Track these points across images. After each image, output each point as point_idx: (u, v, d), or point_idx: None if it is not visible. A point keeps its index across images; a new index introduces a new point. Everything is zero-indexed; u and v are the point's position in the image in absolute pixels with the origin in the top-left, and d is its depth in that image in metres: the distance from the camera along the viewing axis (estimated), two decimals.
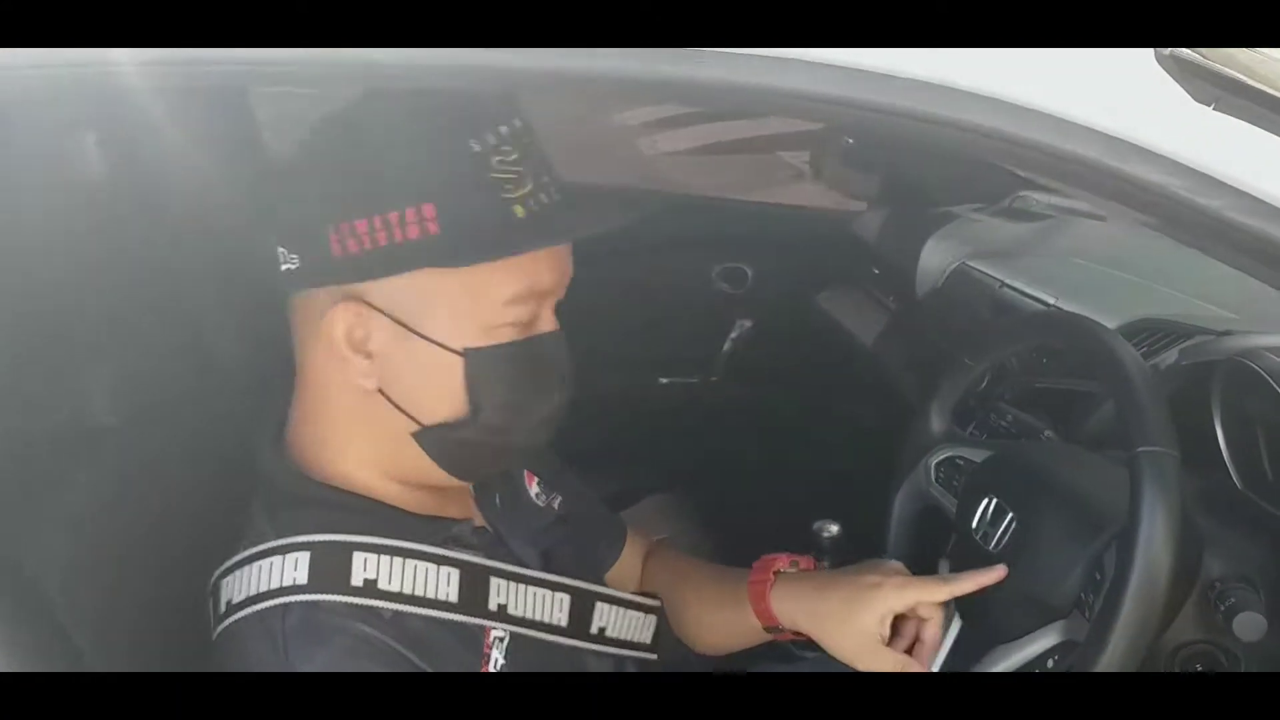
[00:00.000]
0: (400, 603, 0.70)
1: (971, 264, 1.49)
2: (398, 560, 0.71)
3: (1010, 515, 0.84)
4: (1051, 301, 1.29)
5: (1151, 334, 1.08)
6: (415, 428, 0.72)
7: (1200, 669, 0.77)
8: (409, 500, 0.77)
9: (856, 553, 1.23)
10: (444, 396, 0.71)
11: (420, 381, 0.71)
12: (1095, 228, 1.60)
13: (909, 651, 0.84)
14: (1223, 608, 0.71)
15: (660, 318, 1.82)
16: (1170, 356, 1.01)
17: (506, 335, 0.71)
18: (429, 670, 0.70)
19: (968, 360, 0.93)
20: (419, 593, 0.71)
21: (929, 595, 0.83)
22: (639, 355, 1.88)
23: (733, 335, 1.88)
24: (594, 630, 0.85)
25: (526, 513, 0.89)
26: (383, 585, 0.70)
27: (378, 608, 0.69)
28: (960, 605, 0.90)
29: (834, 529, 1.21)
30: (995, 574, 0.81)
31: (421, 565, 0.72)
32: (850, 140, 1.81)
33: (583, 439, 1.80)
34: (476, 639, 0.75)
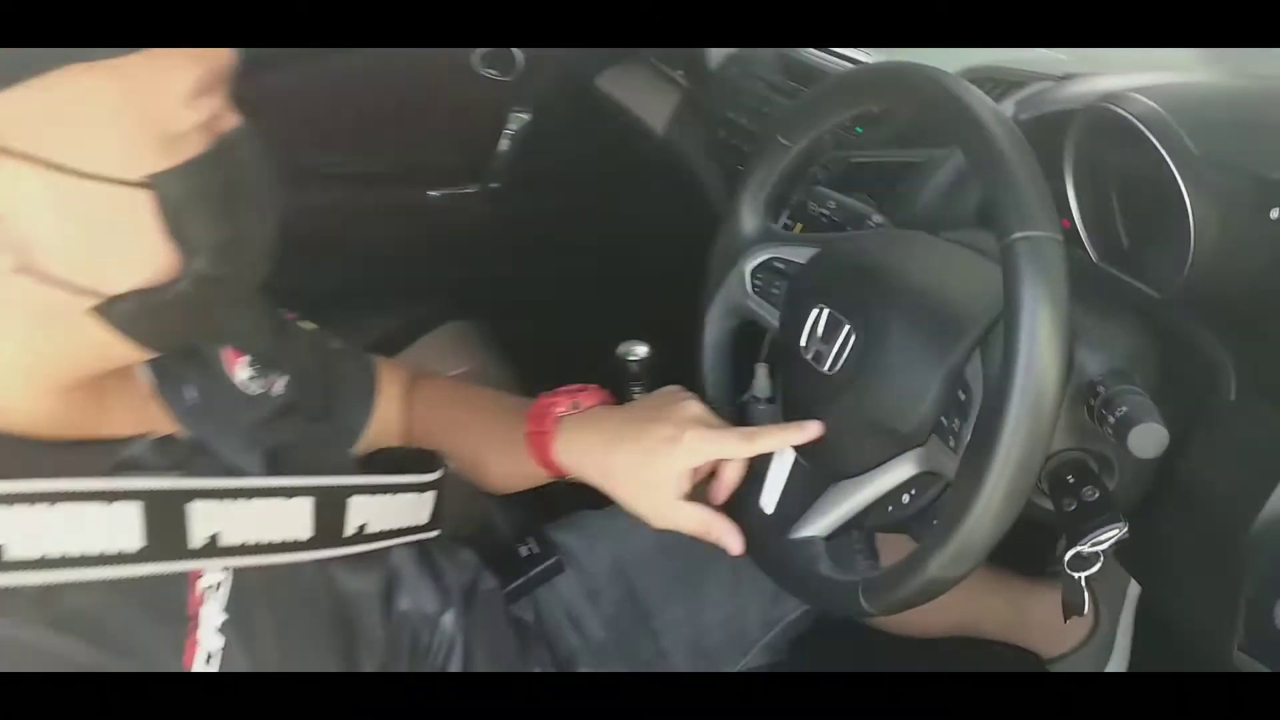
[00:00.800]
0: (49, 570, 0.47)
1: None
2: (39, 509, 0.47)
3: (847, 328, 0.68)
4: (863, 58, 1.11)
5: (982, 85, 0.92)
6: (92, 302, 0.50)
7: (1071, 479, 0.65)
8: (49, 421, 0.53)
9: (667, 376, 1.07)
10: (133, 252, 0.50)
11: (90, 239, 0.49)
12: None
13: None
14: (1112, 419, 0.59)
15: (417, 118, 1.53)
16: (1007, 110, 0.86)
17: (195, 146, 0.51)
18: (115, 668, 0.48)
19: (782, 139, 0.74)
20: (78, 551, 0.48)
21: (728, 452, 0.72)
22: (399, 165, 1.59)
23: (507, 132, 1.62)
24: (350, 531, 0.65)
25: (234, 404, 0.66)
26: (15, 552, 0.47)
27: (12, 587, 0.47)
28: (799, 444, 0.75)
29: (641, 351, 1.04)
30: (809, 431, 0.70)
31: (78, 509, 0.49)
32: None
33: (342, 272, 1.56)
34: (177, 597, 0.53)
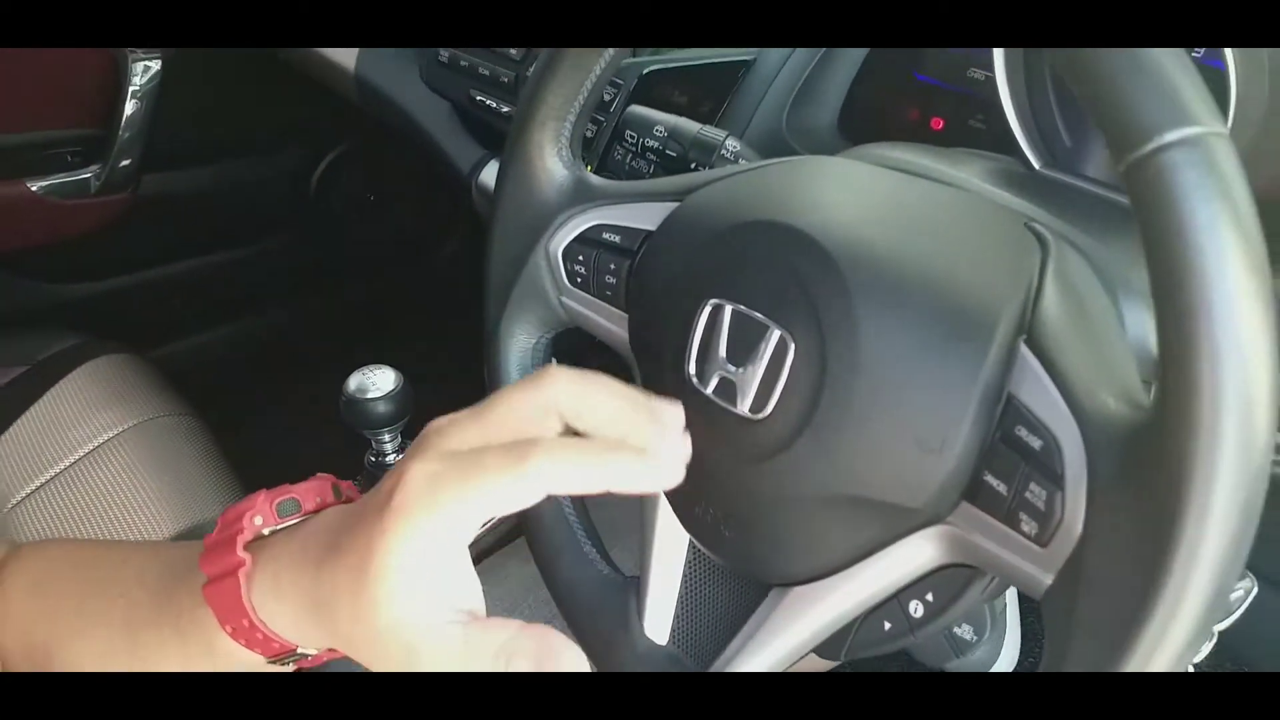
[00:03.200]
0: None
1: None
2: None
3: (776, 337, 0.39)
4: None
5: None
6: None
7: None
8: None
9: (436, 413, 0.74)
10: None
11: None
12: None
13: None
14: None
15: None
16: None
17: None
18: None
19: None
20: None
21: (504, 490, 0.32)
22: None
23: (133, 88, 1.17)
24: None
25: None
26: None
27: None
28: (697, 532, 0.46)
29: (385, 382, 0.69)
30: (666, 429, 0.33)
31: None
32: None
33: None
34: None
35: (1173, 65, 0.28)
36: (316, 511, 0.39)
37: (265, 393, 0.95)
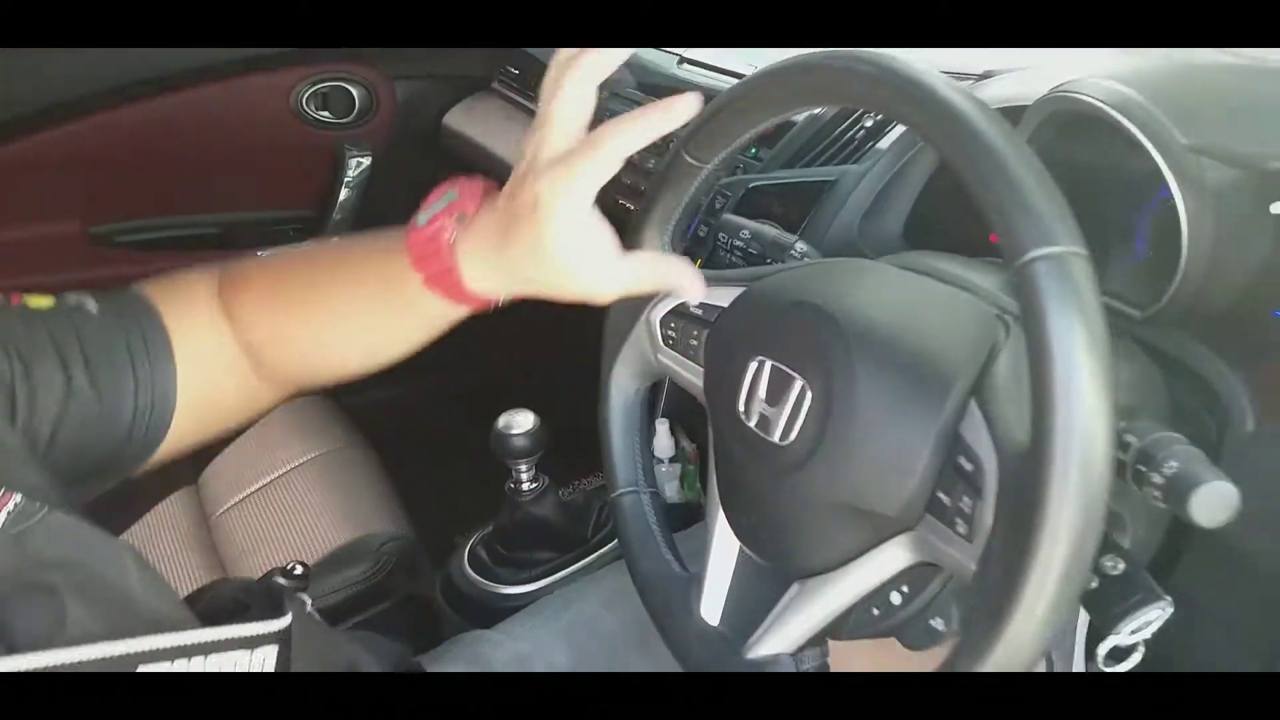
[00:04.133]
0: None
1: None
2: None
3: (799, 385, 0.54)
4: (747, 71, 0.99)
5: None
6: None
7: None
8: None
9: (563, 452, 0.91)
10: None
11: None
12: None
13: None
14: (1159, 478, 0.46)
15: (237, 170, 1.33)
16: None
17: None
18: None
19: (689, 157, 0.60)
20: None
21: (586, 169, 0.53)
22: (219, 225, 1.38)
23: (347, 180, 1.43)
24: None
25: None
26: None
27: None
28: (739, 529, 0.60)
29: (526, 422, 0.87)
30: (684, 105, 0.53)
31: None
32: None
33: None
34: None
35: (1044, 192, 0.42)
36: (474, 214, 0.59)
37: (428, 429, 1.14)
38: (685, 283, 0.61)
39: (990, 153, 0.42)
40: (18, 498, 0.48)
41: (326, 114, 1.39)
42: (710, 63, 1.02)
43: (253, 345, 0.65)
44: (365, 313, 0.63)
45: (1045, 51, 0.86)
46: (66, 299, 0.60)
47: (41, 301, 0.59)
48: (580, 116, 0.54)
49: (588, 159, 0.52)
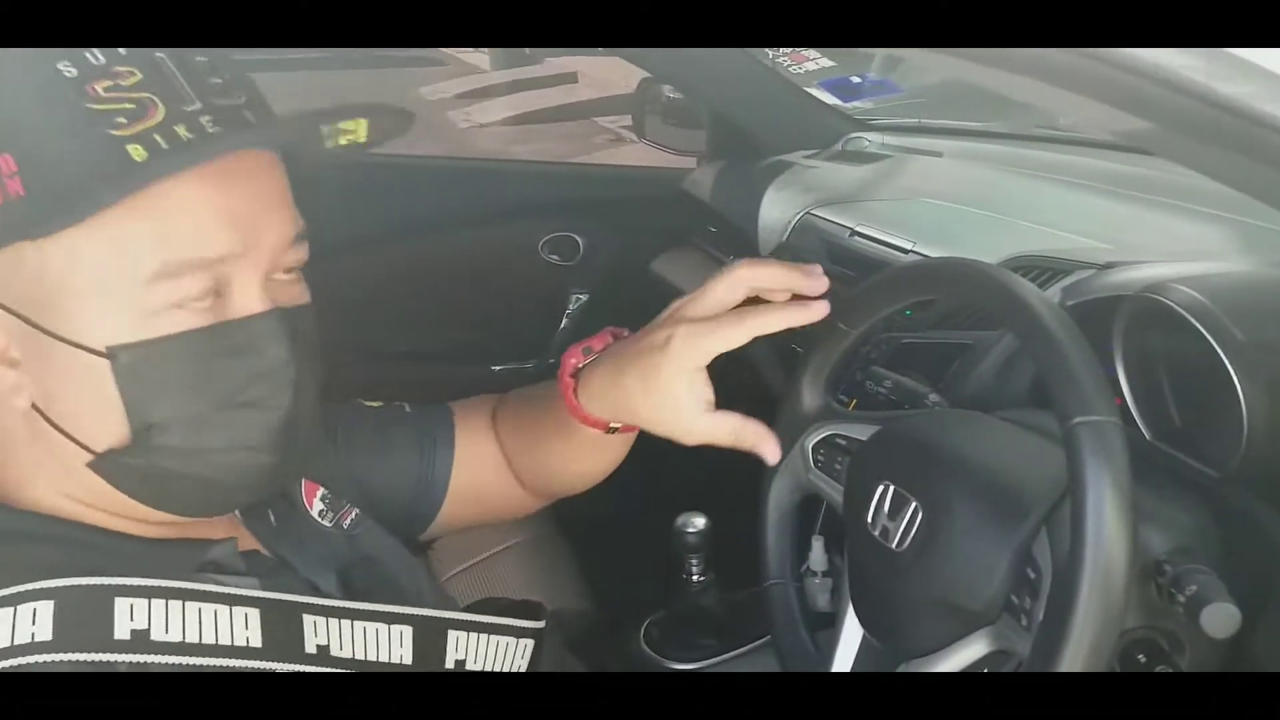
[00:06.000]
0: (185, 654, 0.54)
1: (816, 213, 1.37)
2: (174, 604, 0.54)
3: (913, 505, 0.70)
4: (909, 247, 1.18)
5: (1027, 273, 0.97)
6: (88, 456, 0.55)
7: (1143, 659, 0.65)
8: (139, 525, 0.59)
9: (728, 549, 1.09)
10: (101, 413, 0.53)
11: (72, 395, 0.53)
12: (934, 165, 1.52)
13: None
14: (1182, 597, 0.60)
15: (487, 298, 1.62)
16: (1053, 297, 0.90)
17: (177, 323, 0.52)
18: None
19: (841, 324, 0.79)
20: (208, 640, 0.55)
21: (722, 338, 0.65)
22: (468, 341, 1.67)
23: (568, 311, 1.70)
24: (450, 664, 0.68)
25: (310, 534, 0.69)
26: (157, 635, 0.53)
27: (152, 663, 0.53)
28: (863, 617, 0.76)
29: (700, 523, 1.06)
30: (813, 310, 0.68)
31: (208, 608, 0.55)
32: (671, 93, 1.67)
33: None
34: None
35: (1086, 369, 0.57)
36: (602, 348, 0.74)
37: (618, 522, 1.35)
38: (761, 445, 0.70)
39: (1046, 337, 0.59)
40: (322, 490, 0.71)
41: (557, 257, 1.67)
42: (876, 236, 1.21)
43: (511, 458, 0.86)
44: (548, 436, 0.79)
45: (1168, 242, 1.01)
46: (391, 403, 0.85)
47: (372, 403, 0.84)
48: (730, 301, 0.67)
49: (728, 325, 0.65)
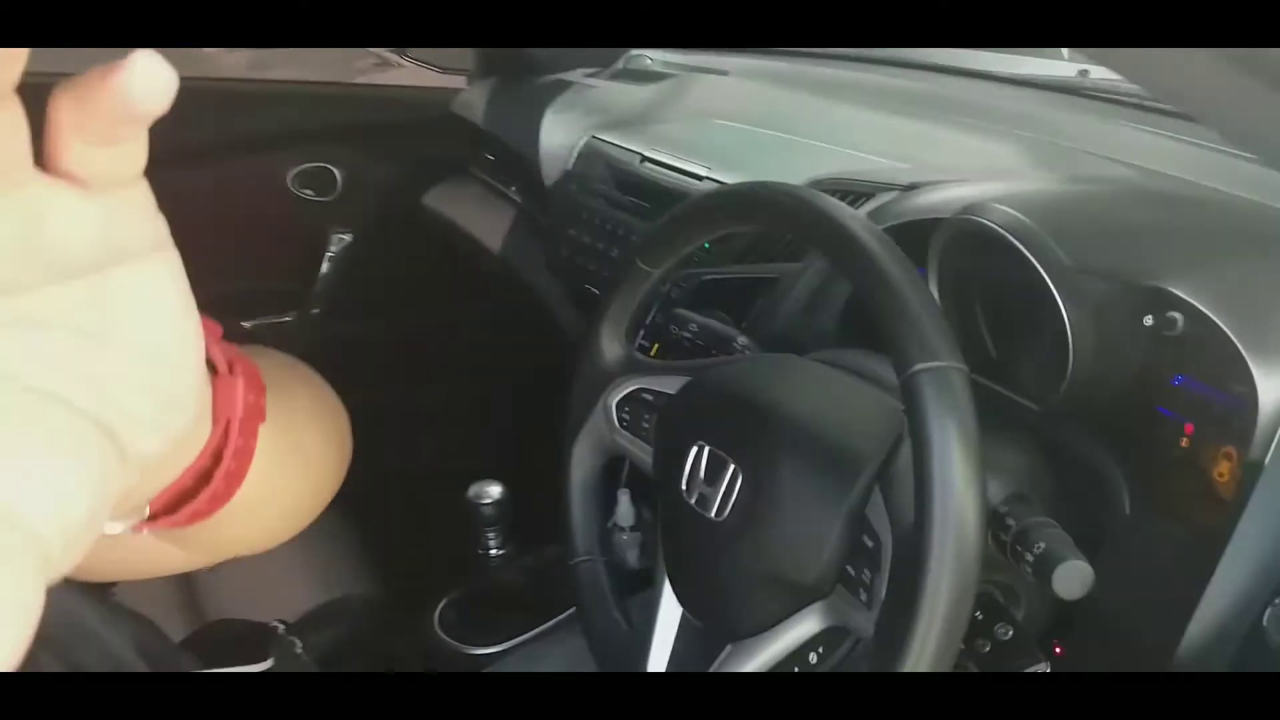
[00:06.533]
0: None
1: (602, 137, 1.25)
2: None
3: (731, 468, 0.61)
4: (704, 173, 1.09)
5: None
6: None
7: (980, 617, 0.60)
8: None
9: (527, 519, 0.98)
10: None
11: None
12: (722, 84, 1.43)
13: None
14: (1030, 556, 0.54)
15: (232, 242, 1.40)
16: None
17: None
18: None
19: (642, 264, 0.68)
20: None
21: None
22: (212, 293, 1.45)
23: (329, 255, 1.51)
24: None
25: None
26: None
27: None
28: (681, 595, 0.67)
29: (495, 492, 0.94)
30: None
31: None
32: None
33: None
34: None
35: (929, 314, 0.50)
36: None
37: (403, 498, 1.21)
38: None
39: (885, 282, 0.51)
40: None
41: (311, 192, 1.47)
42: (669, 162, 1.11)
43: None
44: None
45: (965, 159, 0.97)
46: None
47: None
48: None
49: None
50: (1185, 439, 0.65)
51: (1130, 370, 0.67)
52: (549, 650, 0.89)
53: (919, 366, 0.49)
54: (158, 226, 0.27)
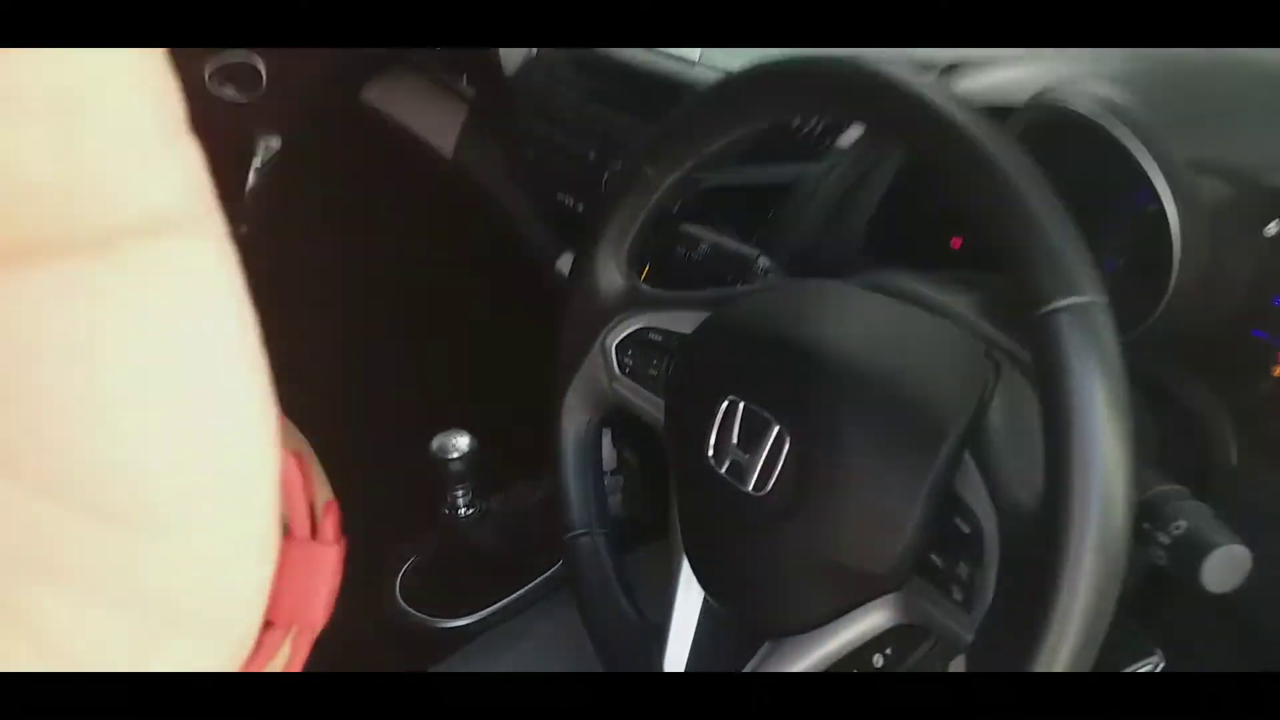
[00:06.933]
0: None
1: None
2: None
3: (775, 430, 0.49)
4: (695, 58, 0.93)
5: None
6: None
7: None
8: None
9: (504, 475, 0.85)
10: None
11: None
12: None
13: None
14: (1166, 538, 0.43)
15: None
16: None
17: None
18: None
19: (649, 170, 0.54)
20: None
21: None
22: None
23: (255, 165, 1.33)
24: None
25: None
26: None
27: None
28: (704, 578, 0.55)
29: (463, 444, 0.81)
30: None
31: None
32: None
33: None
34: None
35: (1068, 237, 0.38)
36: None
37: (363, 442, 1.07)
38: None
39: (1013, 194, 0.38)
40: None
41: (232, 90, 1.28)
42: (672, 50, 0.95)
43: None
44: None
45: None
46: None
47: None
48: None
49: None
50: (1278, 366, 0.54)
51: (1238, 291, 0.56)
52: (533, 623, 0.77)
53: (1059, 304, 0.37)
54: None
